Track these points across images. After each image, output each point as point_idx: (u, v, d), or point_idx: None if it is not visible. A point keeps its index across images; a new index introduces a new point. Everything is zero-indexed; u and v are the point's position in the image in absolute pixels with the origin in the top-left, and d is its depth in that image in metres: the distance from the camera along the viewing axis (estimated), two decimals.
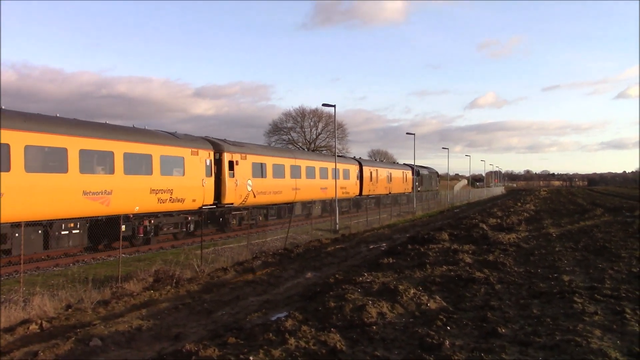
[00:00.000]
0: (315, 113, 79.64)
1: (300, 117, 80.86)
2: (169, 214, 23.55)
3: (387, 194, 52.17)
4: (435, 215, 45.60)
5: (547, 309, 9.40)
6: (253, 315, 10.24)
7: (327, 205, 39.46)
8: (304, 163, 36.81)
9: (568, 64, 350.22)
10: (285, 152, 36.01)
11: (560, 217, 33.15)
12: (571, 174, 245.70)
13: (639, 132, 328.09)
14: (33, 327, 9.67)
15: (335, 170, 36.03)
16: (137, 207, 21.08)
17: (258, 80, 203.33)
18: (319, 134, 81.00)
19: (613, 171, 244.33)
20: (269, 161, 31.81)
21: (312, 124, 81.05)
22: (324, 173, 39.46)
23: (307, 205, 37.46)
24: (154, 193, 21.99)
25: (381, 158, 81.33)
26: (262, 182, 30.52)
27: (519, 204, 49.09)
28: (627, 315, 8.68)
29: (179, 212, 24.19)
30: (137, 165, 21.44)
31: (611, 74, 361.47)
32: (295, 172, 34.99)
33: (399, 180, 57.39)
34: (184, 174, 24.01)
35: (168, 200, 22.85)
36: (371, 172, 49.36)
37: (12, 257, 16.81)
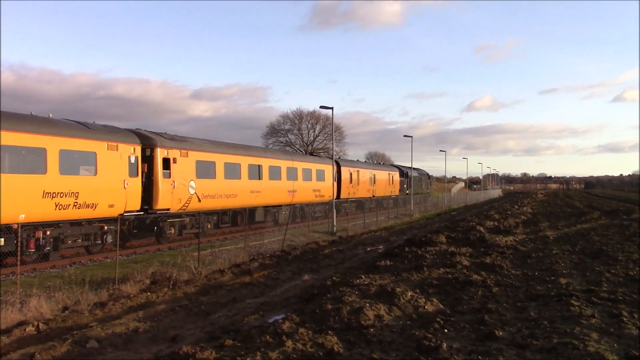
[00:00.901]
0: (312, 115, 79.61)
1: (298, 119, 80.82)
2: (76, 223, 19.18)
3: (370, 197, 48.99)
4: (433, 217, 45.64)
5: (544, 311, 9.40)
6: (250, 318, 10.23)
7: (298, 211, 35.40)
8: (267, 162, 32.30)
9: (565, 67, 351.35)
10: (241, 149, 30.71)
11: (558, 220, 33.18)
12: (568, 176, 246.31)
13: (638, 135, 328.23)
14: (29, 328, 9.64)
15: (334, 171, 35.70)
16: (23, 215, 16.70)
17: (256, 82, 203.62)
18: (317, 136, 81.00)
19: (610, 174, 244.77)
20: (220, 159, 27.43)
21: (309, 126, 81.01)
22: (292, 174, 35.06)
23: (272, 210, 33.06)
24: (49, 197, 17.57)
25: (378, 160, 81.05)
26: (211, 184, 26.28)
27: (516, 207, 49.13)
28: (624, 319, 8.68)
29: (91, 221, 19.68)
30: (24, 161, 17.25)
31: (608, 78, 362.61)
32: (256, 172, 30.65)
33: (384, 183, 53.84)
34: (96, 174, 19.53)
35: (72, 206, 18.42)
36: (351, 174, 45.15)
37: (9, 259, 16.74)
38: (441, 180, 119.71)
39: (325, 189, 39.72)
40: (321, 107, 33.92)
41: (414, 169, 69.08)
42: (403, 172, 59.94)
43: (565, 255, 16.45)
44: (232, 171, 28.22)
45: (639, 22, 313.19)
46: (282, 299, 12.16)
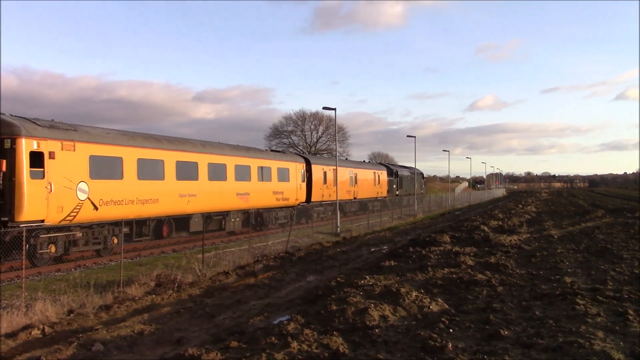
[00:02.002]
0: (315, 116, 79.71)
1: (301, 120, 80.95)
2: None
3: (350, 200, 43.65)
4: (437, 217, 45.60)
5: (549, 310, 9.38)
6: (255, 319, 10.23)
7: (253, 217, 29.99)
8: (205, 159, 26.04)
9: (567, 66, 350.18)
10: (166, 142, 24.22)
11: (562, 219, 33.11)
12: (572, 175, 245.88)
13: (639, 134, 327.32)
14: (35, 332, 9.67)
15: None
16: None
17: (258, 84, 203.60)
18: (320, 137, 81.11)
19: (614, 172, 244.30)
20: (130, 155, 21.33)
21: (312, 127, 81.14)
22: (243, 173, 29.05)
23: (216, 218, 27.61)
24: None
25: (382, 161, 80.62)
26: (116, 187, 20.48)
27: (520, 206, 49.04)
28: (630, 317, 8.66)
29: None
30: None
31: (610, 76, 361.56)
32: (189, 171, 24.75)
33: (369, 183, 48.34)
34: None
35: None
36: (325, 173, 39.52)
37: (14, 262, 16.79)
38: (445, 180, 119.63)
39: (290, 191, 34.14)
40: (324, 108, 34.03)
41: (405, 167, 65.40)
42: (392, 171, 55.36)
43: (570, 254, 16.41)
44: (150, 170, 22.28)
45: (639, 21, 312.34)
46: (287, 301, 12.16)
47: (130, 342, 8.99)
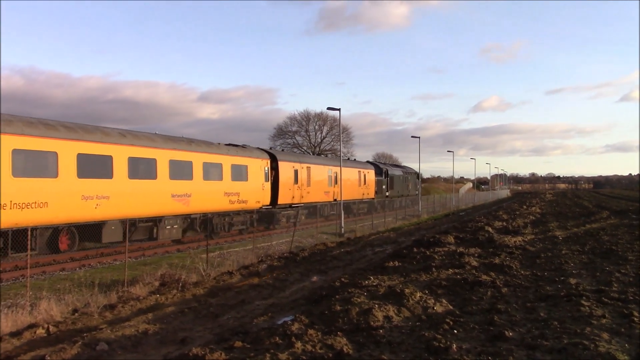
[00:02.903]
0: (320, 117, 79.74)
1: (305, 120, 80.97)
2: None
3: (329, 202, 39.12)
4: (441, 218, 45.54)
5: (554, 312, 9.36)
6: (259, 319, 10.23)
7: (197, 223, 25.71)
8: (124, 152, 20.97)
9: (571, 67, 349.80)
10: (64, 130, 18.88)
11: (566, 220, 33.05)
12: (576, 176, 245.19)
13: (638, 136, 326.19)
14: (40, 331, 9.68)
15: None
16: None
17: (263, 84, 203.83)
18: (324, 138, 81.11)
19: (618, 174, 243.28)
20: (8, 143, 16.58)
21: (316, 127, 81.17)
22: (181, 170, 23.91)
23: (142, 225, 22.46)
24: None
25: (386, 161, 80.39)
26: None
27: (525, 207, 48.96)
28: (635, 319, 8.64)
29: None
30: None
31: (614, 77, 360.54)
32: (97, 166, 19.82)
33: (353, 183, 43.35)
34: None
35: None
36: (296, 171, 34.27)
37: (19, 262, 16.83)
38: (449, 180, 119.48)
39: (249, 192, 29.00)
40: (328, 108, 33.98)
41: (398, 166, 61.94)
42: (381, 170, 50.57)
43: (575, 256, 16.38)
44: (33, 165, 17.63)
45: (639, 22, 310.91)
46: (291, 301, 12.16)
47: (134, 342, 9.00)
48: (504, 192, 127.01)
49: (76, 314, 11.08)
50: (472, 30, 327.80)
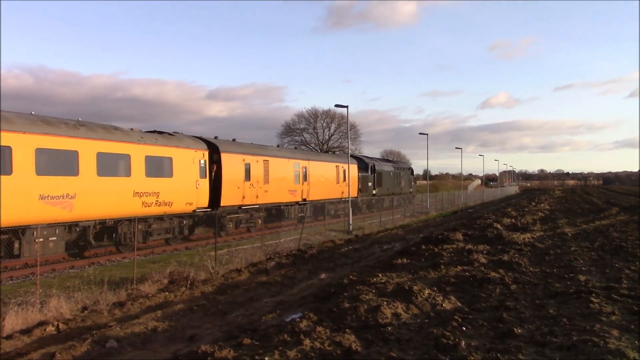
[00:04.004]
0: (327, 114, 79.71)
1: (313, 118, 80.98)
2: None
3: (295, 203, 32.77)
4: (449, 215, 45.44)
5: (563, 309, 9.32)
6: (267, 317, 10.25)
7: (90, 234, 19.19)
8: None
9: (580, 63, 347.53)
10: None
11: (575, 217, 32.88)
12: (586, 173, 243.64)
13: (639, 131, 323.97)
14: (50, 328, 9.75)
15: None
16: None
17: (271, 82, 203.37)
18: (332, 135, 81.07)
19: (628, 170, 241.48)
20: None
21: (324, 124, 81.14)
22: (59, 163, 17.67)
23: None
24: None
25: (394, 159, 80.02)
26: None
27: (534, 204, 48.76)
28: None
29: None
30: None
31: (623, 73, 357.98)
32: None
33: (328, 180, 37.53)
34: None
35: None
36: (248, 165, 27.70)
37: (29, 259, 16.93)
38: (457, 177, 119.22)
39: (175, 192, 22.56)
40: (336, 105, 33.94)
41: (387, 161, 56.06)
42: (367, 165, 44.38)
43: (584, 252, 16.31)
44: None
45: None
46: (299, 298, 12.16)
47: (143, 339, 9.03)
48: (512, 189, 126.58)
49: (86, 311, 11.14)
50: (480, 27, 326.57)
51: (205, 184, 24.53)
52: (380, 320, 8.51)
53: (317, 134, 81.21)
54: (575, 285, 11.14)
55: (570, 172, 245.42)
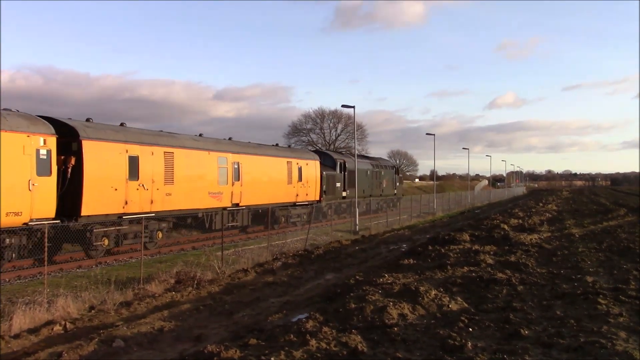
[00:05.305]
0: (334, 114, 79.71)
1: (320, 118, 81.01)
2: None
3: (221, 208, 24.56)
4: (456, 216, 45.34)
5: (570, 310, 9.28)
6: (274, 317, 10.26)
7: None
8: None
9: (588, 63, 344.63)
10: None
11: (583, 218, 32.74)
12: (594, 173, 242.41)
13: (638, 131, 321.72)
14: (57, 328, 9.79)
15: None
16: None
17: (278, 83, 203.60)
18: (339, 135, 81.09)
19: (636, 170, 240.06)
20: None
21: (331, 125, 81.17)
22: None
23: None
24: None
25: (401, 159, 79.75)
26: None
27: (541, 204, 48.56)
28: None
29: None
30: None
31: (632, 73, 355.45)
32: None
33: (273, 179, 29.43)
34: None
35: None
36: (134, 159, 20.09)
37: (36, 259, 17.01)
38: (464, 178, 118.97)
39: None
40: (343, 106, 33.95)
41: (364, 157, 48.10)
42: (334, 161, 37.85)
43: (592, 253, 16.23)
44: None
45: None
46: (306, 298, 12.17)
47: (150, 339, 9.06)
48: (519, 190, 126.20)
49: (93, 311, 11.19)
50: (488, 27, 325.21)
51: (49, 184, 17.07)
52: (387, 320, 8.50)
53: (324, 134, 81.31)
54: (583, 286, 11.09)
55: (578, 173, 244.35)
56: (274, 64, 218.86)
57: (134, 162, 20.07)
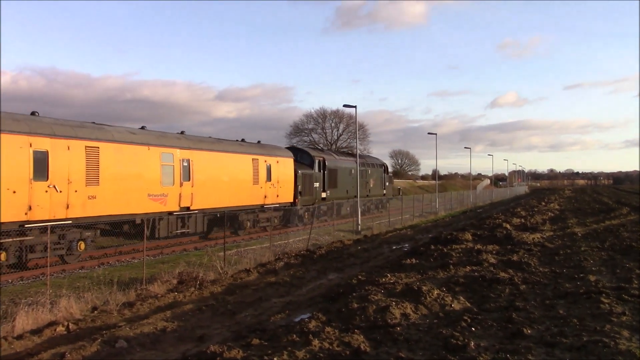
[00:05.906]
0: (336, 114, 79.83)
1: (321, 118, 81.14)
2: None
3: (167, 213, 21.70)
4: (458, 215, 45.31)
5: (573, 309, 9.28)
6: (276, 317, 10.26)
7: None
8: None
9: (589, 62, 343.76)
10: None
11: (586, 217, 32.68)
12: (596, 172, 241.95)
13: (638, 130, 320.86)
14: (60, 328, 9.80)
15: None
16: None
17: (279, 83, 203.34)
18: (340, 135, 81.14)
19: (638, 169, 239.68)
20: None
21: (333, 125, 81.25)
22: None
23: None
24: None
25: (403, 159, 79.71)
26: None
27: (543, 203, 48.51)
28: None
29: None
30: None
31: (633, 72, 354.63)
32: None
33: (236, 180, 25.94)
34: None
35: None
36: (41, 155, 16.45)
37: (39, 260, 17.04)
38: (466, 177, 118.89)
39: None
40: (344, 105, 33.89)
41: (348, 154, 44.24)
42: (312, 159, 34.29)
43: (594, 252, 16.21)
44: None
45: None
46: (308, 298, 12.17)
47: (153, 339, 9.07)
48: (522, 189, 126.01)
49: (95, 311, 11.20)
50: (489, 26, 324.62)
51: None
52: (389, 320, 8.50)
53: (326, 134, 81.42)
54: (586, 285, 11.08)
55: (580, 172, 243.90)
56: (276, 64, 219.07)
57: (41, 159, 16.53)
